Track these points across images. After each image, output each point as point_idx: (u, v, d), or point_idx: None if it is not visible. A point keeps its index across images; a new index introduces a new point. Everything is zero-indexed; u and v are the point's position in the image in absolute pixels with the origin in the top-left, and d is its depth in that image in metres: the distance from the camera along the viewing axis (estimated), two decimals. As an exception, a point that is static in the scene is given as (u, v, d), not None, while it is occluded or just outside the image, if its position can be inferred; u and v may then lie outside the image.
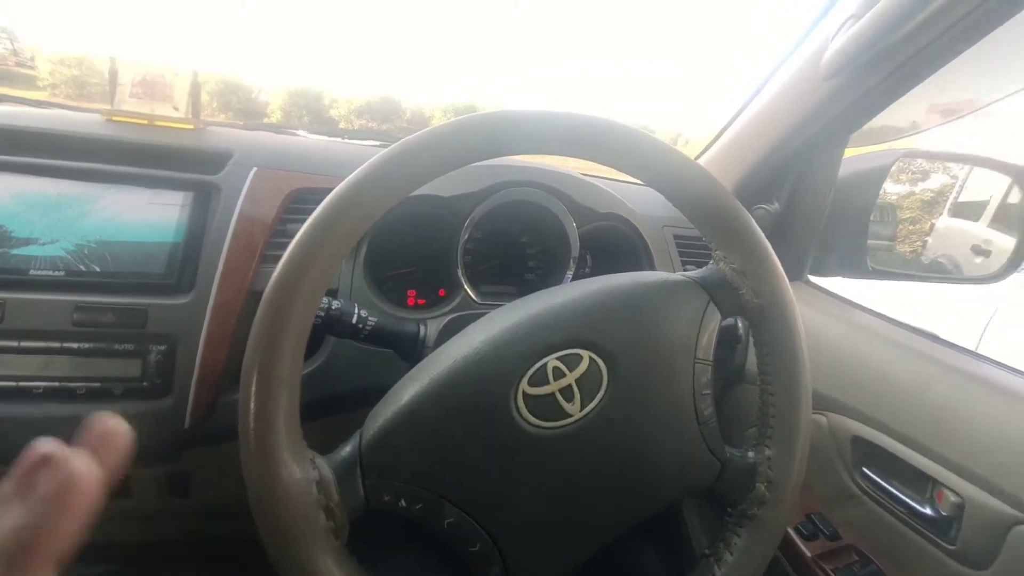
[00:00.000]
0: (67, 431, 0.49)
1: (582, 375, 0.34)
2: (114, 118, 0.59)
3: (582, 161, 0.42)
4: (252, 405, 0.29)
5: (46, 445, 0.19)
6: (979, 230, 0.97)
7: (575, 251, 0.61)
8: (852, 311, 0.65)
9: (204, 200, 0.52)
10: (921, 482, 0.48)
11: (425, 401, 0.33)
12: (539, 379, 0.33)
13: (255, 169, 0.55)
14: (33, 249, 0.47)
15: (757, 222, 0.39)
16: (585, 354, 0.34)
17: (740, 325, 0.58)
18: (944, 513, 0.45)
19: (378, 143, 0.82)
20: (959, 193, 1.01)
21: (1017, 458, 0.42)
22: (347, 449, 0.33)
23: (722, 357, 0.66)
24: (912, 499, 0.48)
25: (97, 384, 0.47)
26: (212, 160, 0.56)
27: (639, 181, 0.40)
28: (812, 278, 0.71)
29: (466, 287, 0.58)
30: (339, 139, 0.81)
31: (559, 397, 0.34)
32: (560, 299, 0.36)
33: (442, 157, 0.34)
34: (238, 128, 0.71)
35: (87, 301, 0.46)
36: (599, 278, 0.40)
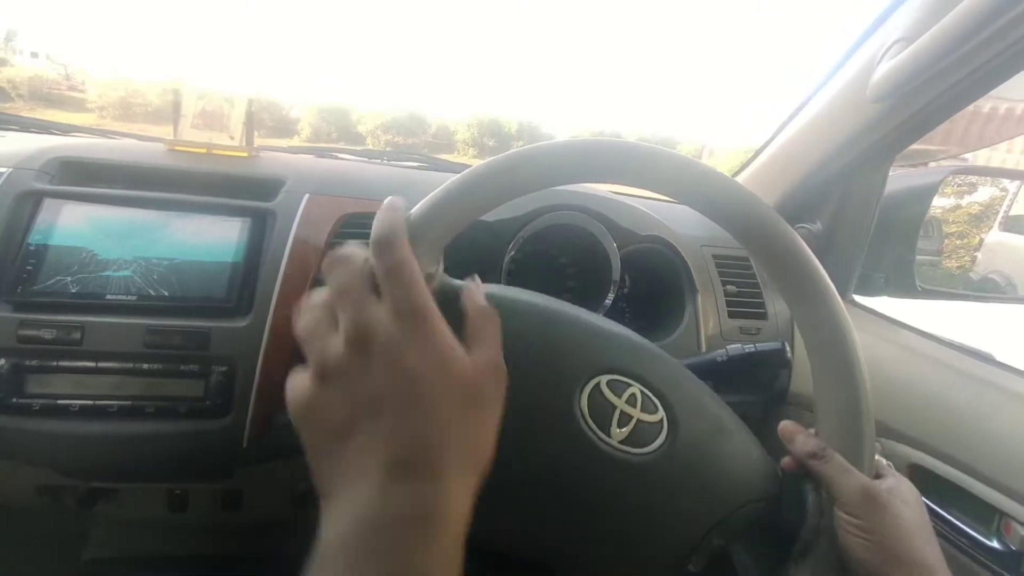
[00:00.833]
0: (138, 447, 0.51)
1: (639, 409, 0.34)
2: (176, 148, 0.62)
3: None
4: None
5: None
6: (1034, 245, 0.93)
7: (616, 274, 0.61)
8: (902, 332, 0.63)
9: (260, 225, 0.55)
10: (986, 514, 0.46)
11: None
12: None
13: (307, 195, 0.57)
14: (109, 274, 0.50)
15: None
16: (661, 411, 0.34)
17: (787, 349, 0.57)
18: (1013, 547, 0.43)
19: (416, 164, 0.85)
20: (1011, 206, 0.97)
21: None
22: None
23: (766, 379, 0.65)
24: (977, 531, 0.46)
25: (164, 403, 0.49)
26: (266, 187, 0.59)
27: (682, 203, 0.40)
28: (858, 298, 0.69)
29: None
30: (379, 161, 0.84)
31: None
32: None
33: (507, 184, 0.35)
34: (286, 153, 0.75)
35: (157, 324, 0.49)
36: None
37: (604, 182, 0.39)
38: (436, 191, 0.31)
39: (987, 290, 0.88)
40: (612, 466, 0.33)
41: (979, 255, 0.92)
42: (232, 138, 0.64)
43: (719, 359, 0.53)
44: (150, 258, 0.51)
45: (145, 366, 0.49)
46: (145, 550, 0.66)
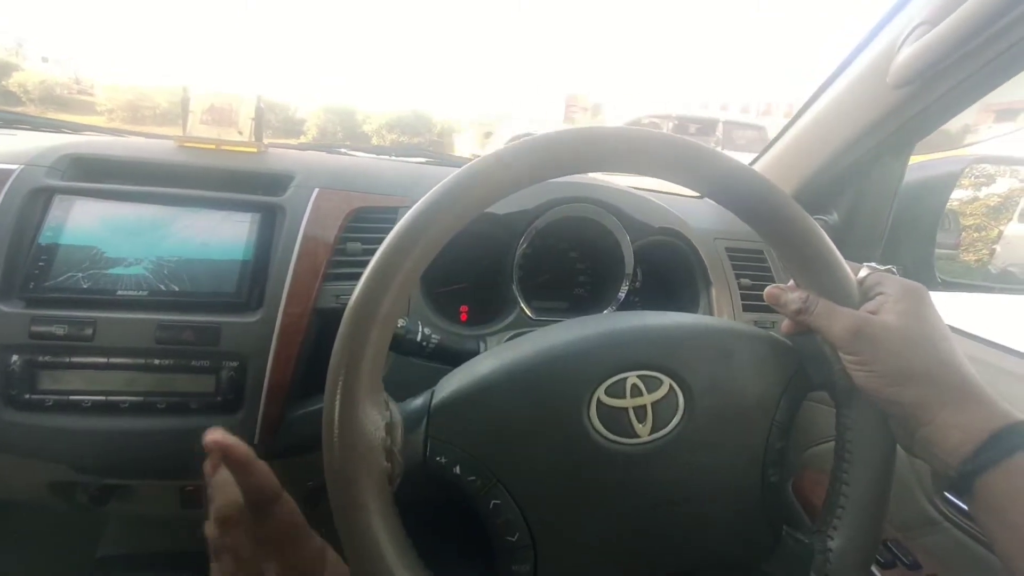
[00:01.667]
0: (150, 443, 0.51)
1: (659, 400, 0.34)
2: (185, 144, 0.62)
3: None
4: (342, 373, 0.30)
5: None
6: (1054, 237, 0.91)
7: (629, 267, 0.60)
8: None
9: (270, 220, 0.54)
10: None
11: (503, 379, 0.34)
12: (617, 391, 0.33)
13: (317, 190, 0.57)
14: (120, 270, 0.50)
15: None
16: (666, 380, 0.34)
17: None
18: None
19: (424, 160, 0.84)
20: (1030, 198, 0.95)
21: None
22: (418, 402, 0.34)
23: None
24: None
25: (176, 399, 0.49)
26: (276, 182, 0.58)
27: (691, 194, 0.39)
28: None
29: (521, 303, 0.58)
30: (387, 157, 0.83)
31: (632, 415, 0.33)
32: (652, 322, 0.36)
33: (512, 176, 0.35)
34: (296, 149, 0.74)
35: (168, 320, 0.48)
36: (694, 315, 0.40)
37: (618, 172, 0.38)
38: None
39: (1007, 282, 0.86)
40: (653, 458, 0.33)
41: (998, 247, 0.90)
42: (241, 134, 0.63)
43: None
44: (161, 254, 0.51)
45: (156, 362, 0.49)
46: (158, 547, 0.66)
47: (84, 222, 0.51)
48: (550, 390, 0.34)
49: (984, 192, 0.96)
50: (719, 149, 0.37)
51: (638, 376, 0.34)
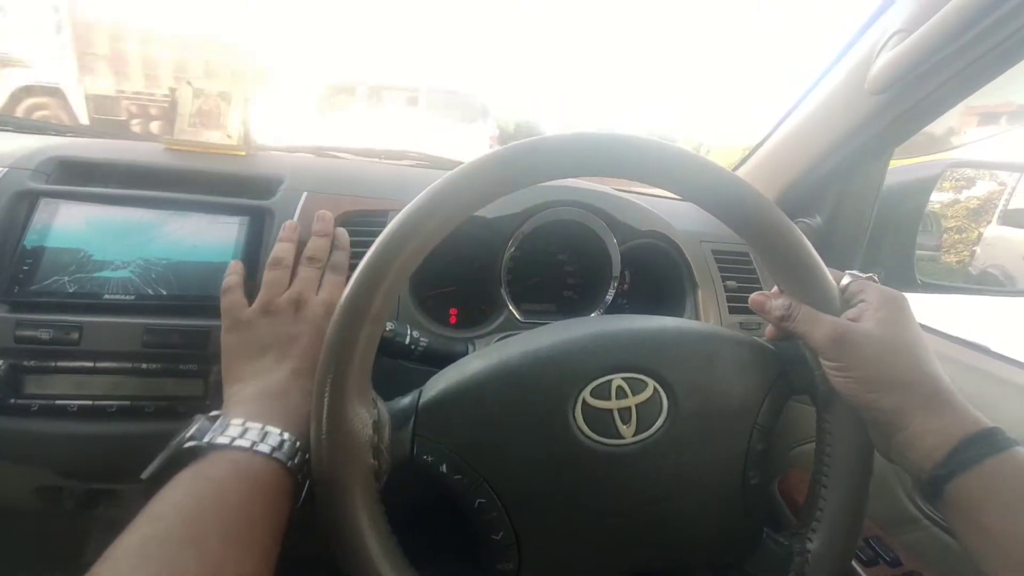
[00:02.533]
0: (137, 447, 0.50)
1: (643, 402, 0.34)
2: (173, 147, 0.62)
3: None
4: (329, 373, 0.31)
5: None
6: (1031, 238, 0.93)
7: (616, 270, 0.61)
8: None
9: (259, 224, 0.55)
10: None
11: (490, 379, 0.34)
12: (602, 393, 0.34)
13: (305, 194, 0.57)
14: (106, 274, 0.49)
15: None
16: (651, 382, 0.34)
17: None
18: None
19: (412, 163, 0.85)
20: (1008, 200, 0.97)
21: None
22: (405, 401, 0.35)
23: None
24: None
25: (164, 403, 0.49)
26: (264, 185, 0.59)
27: (676, 197, 0.40)
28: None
29: (510, 306, 0.58)
30: (376, 159, 0.84)
31: (616, 416, 0.34)
32: (638, 325, 0.37)
33: (498, 181, 0.35)
34: (284, 152, 0.74)
35: (155, 324, 0.48)
36: (679, 319, 0.41)
37: (603, 176, 0.39)
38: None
39: (986, 284, 0.88)
40: (637, 459, 0.34)
41: (978, 249, 0.92)
42: (230, 137, 0.63)
43: None
44: (148, 258, 0.51)
45: (144, 366, 0.48)
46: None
47: (70, 225, 0.51)
48: (536, 391, 0.34)
49: (964, 195, 0.98)
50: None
51: (623, 378, 0.35)
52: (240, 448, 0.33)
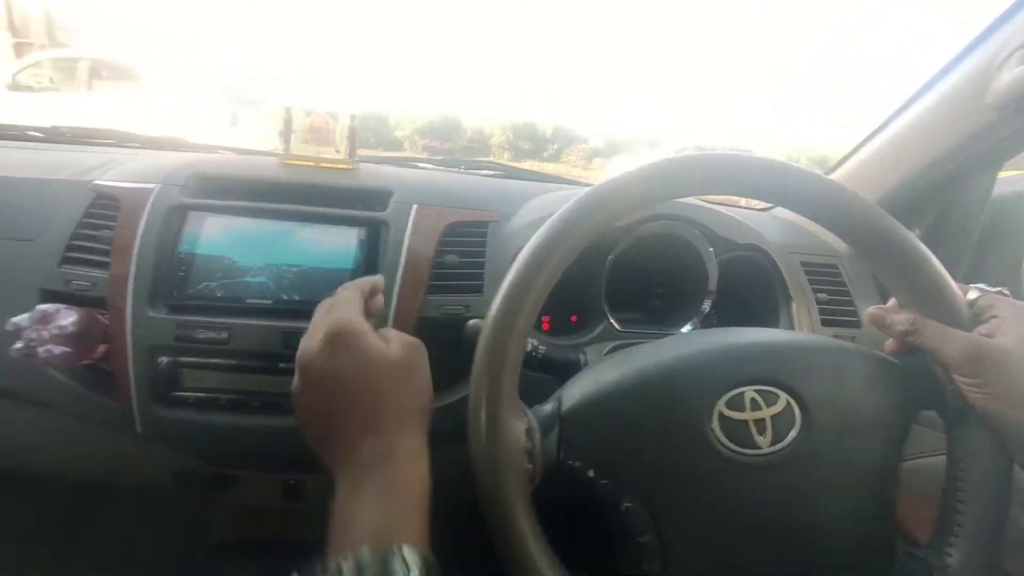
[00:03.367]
0: (275, 440, 0.55)
1: (777, 414, 0.36)
2: (288, 162, 0.67)
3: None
4: (485, 384, 0.34)
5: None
6: None
7: (713, 283, 0.62)
8: None
9: (375, 234, 0.58)
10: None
11: (628, 389, 0.36)
12: (737, 404, 0.35)
13: (415, 206, 0.60)
14: (247, 280, 0.55)
15: None
16: (783, 395, 0.36)
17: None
18: None
19: (492, 173, 0.88)
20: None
21: None
22: (547, 409, 0.37)
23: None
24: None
25: None
26: (375, 197, 0.63)
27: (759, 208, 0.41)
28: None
29: (610, 317, 0.60)
30: (456, 170, 0.87)
31: (752, 427, 0.35)
32: (767, 338, 0.39)
33: (633, 199, 0.37)
34: (379, 164, 0.78)
35: (292, 327, 0.53)
36: (804, 333, 0.42)
37: (711, 193, 0.41)
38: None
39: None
40: (773, 469, 0.35)
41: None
42: (338, 152, 0.68)
43: None
44: (280, 265, 0.56)
45: (281, 365, 0.53)
46: (262, 534, 0.71)
47: (214, 236, 0.56)
48: (673, 401, 0.36)
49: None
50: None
51: (755, 390, 0.36)
52: None
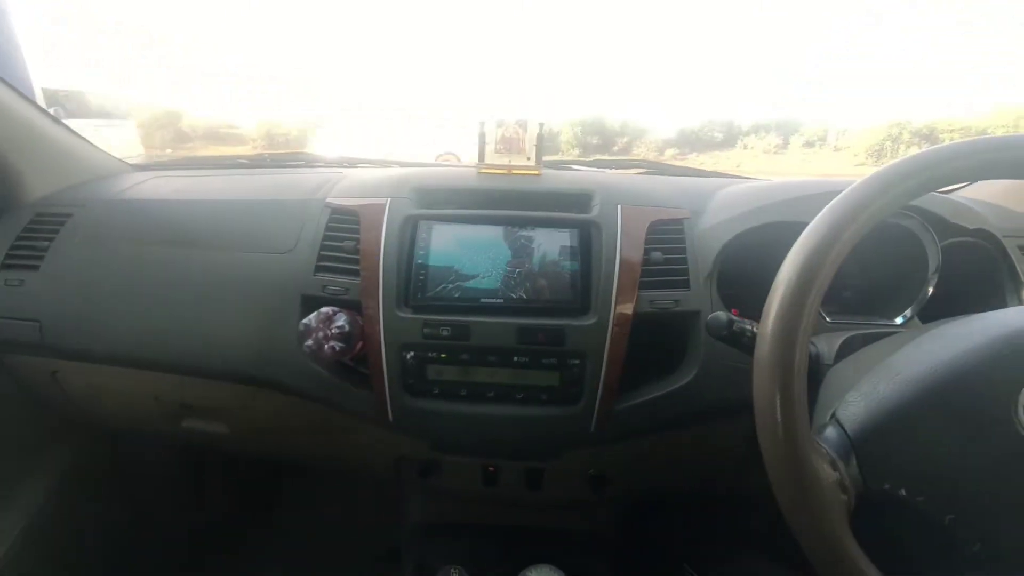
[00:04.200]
0: (506, 428, 0.59)
1: None
2: (483, 171, 0.72)
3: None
4: (779, 416, 0.33)
5: None
6: None
7: (935, 267, 0.59)
8: None
9: (587, 235, 0.61)
10: None
11: (915, 399, 0.35)
12: None
13: (620, 206, 0.63)
14: (479, 282, 0.59)
15: None
16: None
17: None
18: None
19: (642, 171, 0.89)
20: None
21: None
22: (832, 434, 0.36)
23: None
24: None
25: (529, 391, 0.58)
26: (580, 200, 0.66)
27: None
28: None
29: (820, 309, 0.59)
30: (612, 171, 0.89)
31: None
32: None
33: (913, 186, 0.37)
34: (558, 169, 0.82)
35: (524, 323, 0.57)
36: None
37: (1009, 178, 0.39)
38: None
39: None
40: None
41: None
42: (529, 159, 0.72)
43: None
44: (504, 266, 0.60)
45: (515, 359, 0.57)
46: (461, 518, 0.77)
47: (443, 242, 0.61)
48: (972, 399, 0.34)
49: None
50: None
51: None
52: None
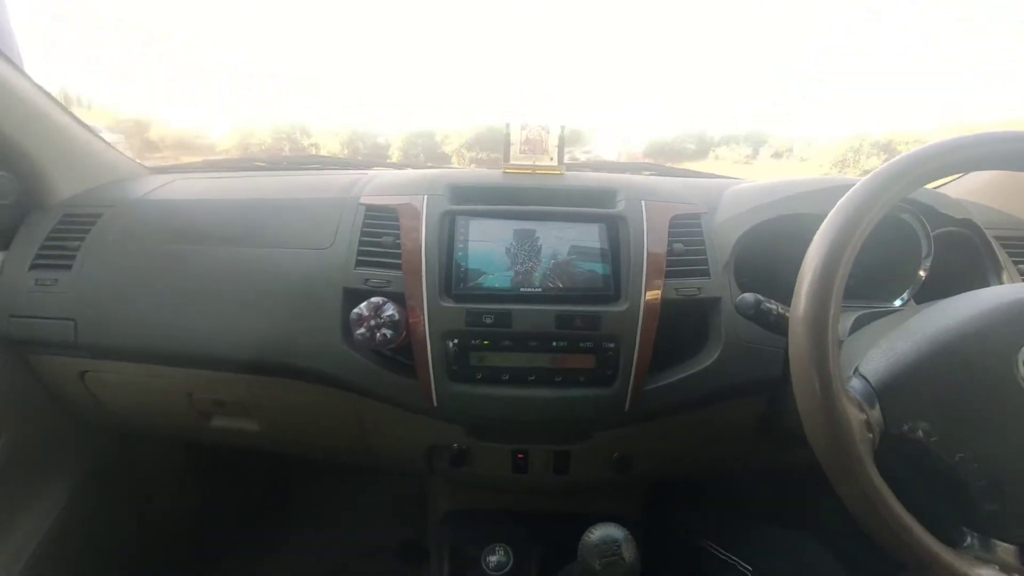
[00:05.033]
0: (547, 410, 0.63)
1: None
2: (508, 171, 0.76)
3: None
4: (815, 368, 0.38)
5: None
6: None
7: (928, 252, 0.66)
8: None
9: (614, 228, 0.66)
10: None
11: (931, 354, 0.41)
12: None
13: (644, 201, 0.67)
14: (517, 272, 0.63)
15: None
16: None
17: None
18: None
19: (652, 173, 0.95)
20: None
21: None
22: (857, 385, 0.42)
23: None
24: None
25: (568, 374, 0.61)
26: (603, 197, 0.70)
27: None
28: None
29: None
30: (623, 172, 0.94)
31: None
32: None
33: (918, 177, 0.42)
34: (578, 170, 0.86)
35: (563, 310, 0.61)
36: None
37: (1000, 168, 0.45)
38: None
39: None
40: None
41: None
42: (552, 160, 0.76)
43: None
44: (539, 257, 0.64)
45: (554, 343, 0.61)
46: (490, 506, 0.79)
47: (481, 235, 0.65)
48: (979, 356, 0.40)
49: None
50: None
51: None
52: None
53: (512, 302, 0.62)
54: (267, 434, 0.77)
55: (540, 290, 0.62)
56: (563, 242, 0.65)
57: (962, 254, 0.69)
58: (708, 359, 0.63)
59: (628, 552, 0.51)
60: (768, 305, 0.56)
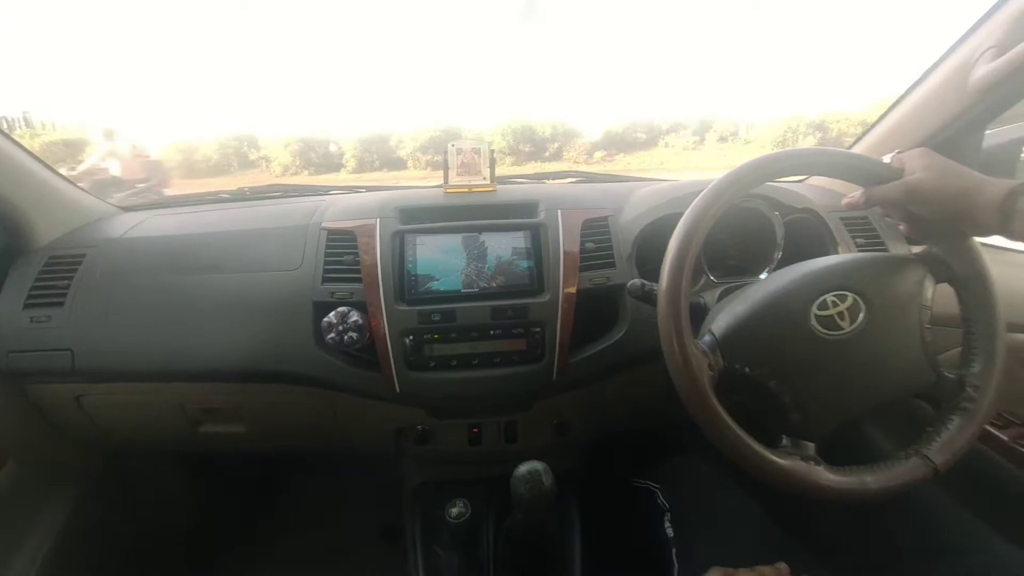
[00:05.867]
0: (490, 386, 0.79)
1: (849, 306, 0.56)
2: (449, 190, 0.90)
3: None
4: (672, 325, 0.54)
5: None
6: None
7: (781, 239, 0.83)
8: (1008, 254, 0.82)
9: (537, 234, 0.81)
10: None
11: (757, 313, 0.56)
12: (822, 305, 0.56)
13: (560, 210, 0.82)
14: (458, 277, 0.77)
15: None
16: (850, 295, 0.56)
17: None
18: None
19: (575, 180, 1.10)
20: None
21: None
22: (707, 338, 0.57)
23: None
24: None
25: (504, 355, 0.76)
26: (527, 208, 0.85)
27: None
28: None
29: (707, 272, 0.81)
30: (545, 181, 1.09)
31: (836, 318, 0.56)
32: (831, 262, 0.59)
33: (749, 182, 0.59)
34: (509, 184, 1.00)
35: (497, 304, 0.75)
36: (853, 255, 0.61)
37: (807, 175, 0.62)
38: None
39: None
40: (852, 342, 0.55)
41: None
42: (485, 179, 0.90)
43: None
44: (477, 263, 0.78)
45: (491, 332, 0.75)
46: (454, 476, 0.93)
47: (427, 249, 0.78)
48: (787, 312, 0.56)
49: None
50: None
51: (833, 295, 0.56)
52: None
53: (455, 301, 0.75)
54: (253, 434, 0.88)
55: (478, 290, 0.76)
56: (495, 248, 0.79)
57: (809, 234, 0.88)
58: (618, 334, 0.79)
59: (547, 479, 0.65)
60: (652, 286, 0.72)
